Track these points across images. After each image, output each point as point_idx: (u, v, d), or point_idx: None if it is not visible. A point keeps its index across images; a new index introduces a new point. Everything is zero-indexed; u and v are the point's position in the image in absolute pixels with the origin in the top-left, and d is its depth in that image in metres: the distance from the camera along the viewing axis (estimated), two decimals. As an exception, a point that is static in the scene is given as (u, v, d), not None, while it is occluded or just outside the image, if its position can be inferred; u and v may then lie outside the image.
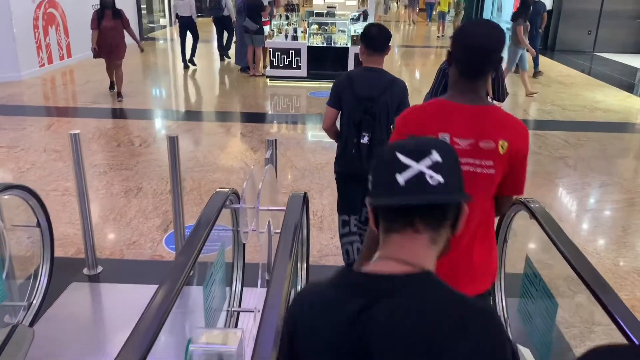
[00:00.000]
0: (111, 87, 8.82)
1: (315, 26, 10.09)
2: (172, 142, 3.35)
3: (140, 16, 14.67)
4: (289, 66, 9.85)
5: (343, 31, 10.16)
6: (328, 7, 13.21)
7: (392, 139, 1.95)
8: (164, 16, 18.05)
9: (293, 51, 9.77)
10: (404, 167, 1.00)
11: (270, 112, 8.51)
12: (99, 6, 8.12)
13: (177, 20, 11.06)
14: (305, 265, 2.97)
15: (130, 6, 13.78)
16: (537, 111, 8.36)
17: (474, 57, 1.74)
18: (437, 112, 1.81)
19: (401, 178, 1.00)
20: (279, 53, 9.80)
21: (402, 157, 1.01)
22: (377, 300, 0.95)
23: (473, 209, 1.46)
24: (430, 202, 1.00)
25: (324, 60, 9.85)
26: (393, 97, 2.98)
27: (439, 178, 0.99)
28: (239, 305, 2.90)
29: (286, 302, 1.65)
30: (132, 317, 1.61)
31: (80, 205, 3.60)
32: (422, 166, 1.00)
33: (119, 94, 8.39)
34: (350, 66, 9.76)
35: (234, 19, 10.72)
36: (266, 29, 10.22)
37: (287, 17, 11.07)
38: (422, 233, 1.02)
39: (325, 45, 9.86)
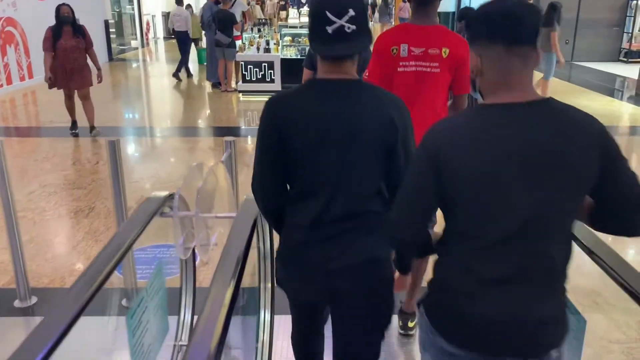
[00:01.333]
0: (73, 127, 6.88)
1: (288, 38, 9.70)
2: (113, 147, 2.84)
3: (109, 38, 14.18)
4: (262, 80, 9.42)
5: (318, 43, 9.80)
6: (302, 25, 12.88)
7: (375, 51, 2.59)
8: (135, 38, 17.60)
9: (266, 64, 9.35)
10: (331, 22, 1.53)
11: (243, 127, 8.04)
12: (55, 21, 6.41)
13: (173, 35, 11.45)
14: (270, 285, 2.47)
15: (97, 28, 13.34)
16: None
17: None
18: (400, 30, 2.57)
19: (330, 29, 1.54)
20: (252, 66, 9.37)
21: (329, 15, 1.53)
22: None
23: (426, 99, 2.48)
24: (348, 49, 1.58)
25: (298, 73, 9.42)
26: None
27: (353, 27, 1.54)
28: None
29: (221, 336, 1.16)
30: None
31: (7, 227, 3.07)
32: (343, 21, 1.53)
33: (93, 128, 6.75)
34: (326, 78, 9.37)
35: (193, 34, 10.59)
36: (238, 43, 9.82)
37: (259, 30, 10.66)
38: (346, 60, 1.61)
39: (299, 57, 9.45)
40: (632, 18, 13.58)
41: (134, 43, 17.26)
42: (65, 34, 6.33)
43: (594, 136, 1.31)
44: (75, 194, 4.91)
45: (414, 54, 2.44)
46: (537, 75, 10.51)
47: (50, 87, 6.55)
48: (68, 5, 6.42)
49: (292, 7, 25.90)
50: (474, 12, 1.50)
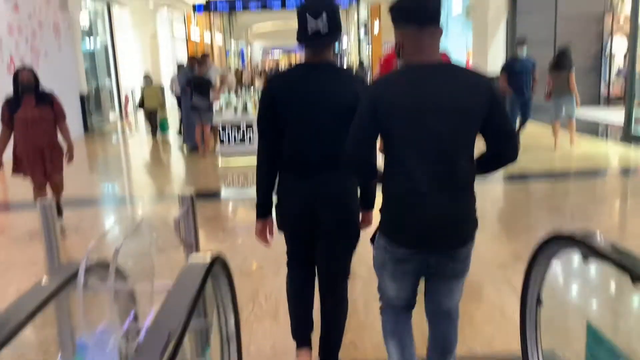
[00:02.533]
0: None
1: (266, 98, 9.44)
2: (44, 211, 2.34)
3: (84, 111, 13.86)
4: (242, 142, 9.04)
5: (297, 102, 9.53)
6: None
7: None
8: (114, 111, 17.39)
9: (245, 126, 9.00)
10: (310, 22, 2.29)
11: (223, 192, 7.57)
12: (12, 89, 5.18)
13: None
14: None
15: (72, 101, 13.07)
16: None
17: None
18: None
19: (309, 28, 2.30)
20: (230, 129, 9.02)
21: (309, 17, 2.29)
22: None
23: None
24: (322, 43, 2.37)
25: (279, 133, 9.12)
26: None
27: (325, 30, 2.29)
28: None
29: None
30: None
31: None
32: (319, 22, 2.28)
33: (59, 209, 5.36)
34: (308, 137, 9.04)
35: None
36: (215, 106, 9.53)
37: (236, 92, 10.42)
38: (325, 49, 2.40)
39: (278, 117, 9.17)
40: (607, 64, 13.63)
41: (112, 116, 17.02)
42: (26, 103, 5.07)
43: (483, 88, 1.95)
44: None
45: None
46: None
47: (14, 173, 5.27)
48: (30, 70, 5.22)
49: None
50: (393, 3, 2.00)
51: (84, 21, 15.24)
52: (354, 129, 2.05)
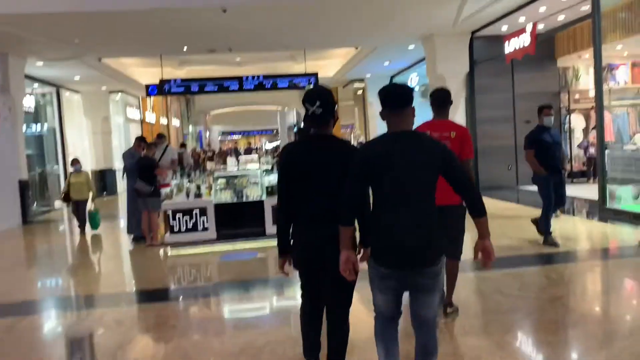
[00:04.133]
0: None
1: (222, 180, 8.69)
2: None
3: (24, 199, 12.74)
4: (194, 229, 8.19)
5: (255, 183, 8.81)
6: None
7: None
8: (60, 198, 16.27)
9: (197, 211, 8.20)
10: (308, 107, 3.14)
11: (172, 287, 6.62)
12: None
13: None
14: None
15: (10, 189, 12.04)
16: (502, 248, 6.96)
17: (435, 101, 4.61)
18: (425, 125, 4.47)
19: (309, 111, 3.14)
20: (181, 215, 8.18)
21: (307, 104, 3.14)
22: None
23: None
24: (317, 121, 3.18)
25: (235, 218, 8.32)
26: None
27: (319, 110, 3.12)
28: None
29: None
30: None
31: None
32: (315, 106, 3.12)
33: None
34: (268, 221, 8.26)
35: None
36: (165, 191, 8.73)
37: (188, 175, 9.67)
38: (322, 125, 3.19)
39: (235, 200, 8.41)
40: (567, 139, 13.68)
41: (57, 203, 15.88)
42: None
43: (439, 149, 2.81)
44: None
45: (435, 136, 3.83)
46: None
47: None
48: None
49: (230, 156, 25.70)
50: (378, 92, 2.96)
51: (29, 105, 14.46)
52: (347, 183, 2.85)
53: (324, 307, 3.29)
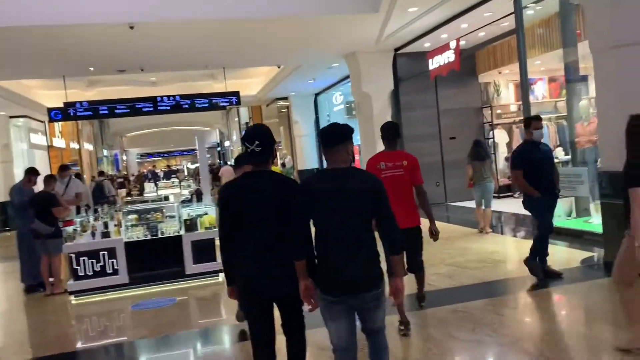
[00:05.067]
0: None
1: (134, 216, 7.73)
2: None
3: None
4: (102, 273, 7.19)
5: (172, 217, 7.93)
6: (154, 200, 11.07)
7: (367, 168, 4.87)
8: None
9: (105, 252, 7.20)
10: (248, 146, 3.18)
11: (79, 346, 5.64)
12: None
13: None
14: None
15: None
16: (435, 277, 6.52)
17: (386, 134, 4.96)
18: (379, 156, 4.89)
19: (249, 149, 3.19)
20: (86, 258, 7.16)
21: (247, 142, 3.18)
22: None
23: (401, 194, 4.65)
24: (256, 160, 3.24)
25: (150, 258, 7.40)
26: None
27: (258, 149, 3.17)
28: None
29: None
30: None
31: None
32: (253, 145, 3.16)
33: None
34: (187, 259, 7.42)
35: None
36: (68, 230, 7.66)
37: (95, 211, 8.60)
38: (261, 162, 3.24)
39: (149, 237, 7.49)
40: (492, 155, 13.76)
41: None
42: None
43: (370, 185, 3.05)
44: None
45: (389, 165, 4.79)
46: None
47: None
48: None
49: (149, 181, 24.28)
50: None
51: None
52: (294, 219, 3.06)
53: (274, 335, 3.33)
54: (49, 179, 7.66)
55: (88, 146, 30.59)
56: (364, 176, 3.16)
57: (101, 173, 16.82)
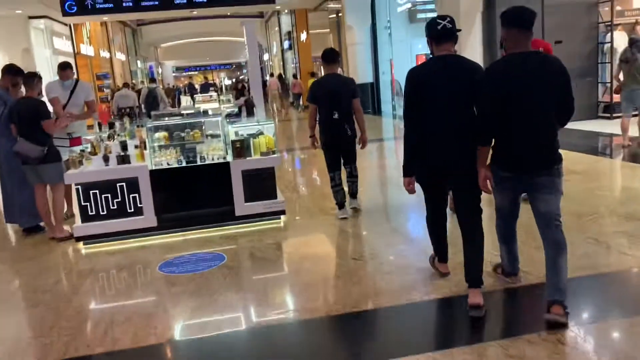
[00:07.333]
0: None
1: (162, 134, 5.56)
2: None
3: None
4: (120, 213, 5.18)
5: (216, 136, 5.73)
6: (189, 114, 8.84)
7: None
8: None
9: (124, 184, 5.16)
10: (440, 21, 3.30)
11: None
12: None
13: None
14: None
15: None
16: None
17: None
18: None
19: (439, 25, 3.28)
20: (98, 191, 5.13)
21: (438, 19, 3.34)
22: None
23: None
24: (449, 34, 3.33)
25: (186, 193, 5.33)
26: (348, 89, 5.27)
27: (449, 25, 3.29)
28: None
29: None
30: None
31: None
32: (445, 20, 3.29)
33: None
34: (238, 195, 5.33)
35: None
36: (75, 150, 5.61)
37: (110, 126, 6.45)
38: (452, 39, 3.33)
39: (185, 164, 5.36)
40: (608, 65, 10.99)
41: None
42: None
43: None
44: None
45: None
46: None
47: None
48: None
49: (186, 95, 22.26)
50: (503, 13, 3.05)
51: None
52: (482, 105, 3.14)
53: (445, 213, 3.66)
54: (29, 78, 5.45)
55: (120, 56, 28.44)
56: (555, 63, 3.05)
57: (152, 80, 16.65)
